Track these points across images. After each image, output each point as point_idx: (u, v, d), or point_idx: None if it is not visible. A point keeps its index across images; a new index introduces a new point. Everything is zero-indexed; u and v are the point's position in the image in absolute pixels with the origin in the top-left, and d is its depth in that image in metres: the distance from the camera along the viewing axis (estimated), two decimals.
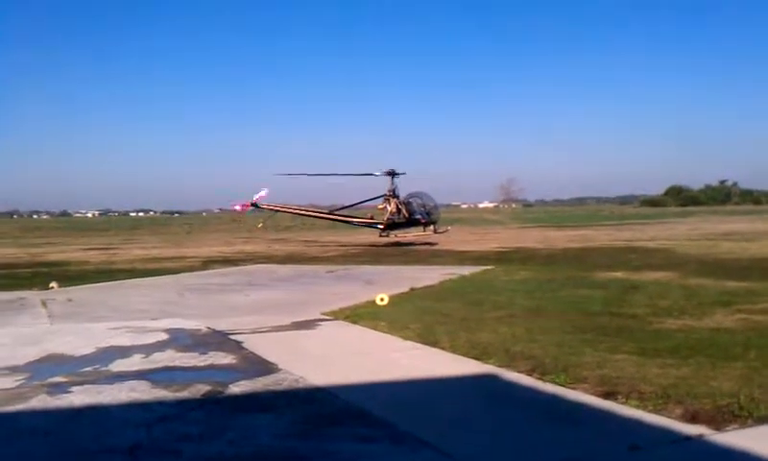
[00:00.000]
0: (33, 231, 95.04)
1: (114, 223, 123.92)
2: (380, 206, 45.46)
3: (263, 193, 47.98)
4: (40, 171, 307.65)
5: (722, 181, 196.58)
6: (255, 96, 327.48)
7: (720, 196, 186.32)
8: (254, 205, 48.46)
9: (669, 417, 6.87)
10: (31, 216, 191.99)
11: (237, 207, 50.16)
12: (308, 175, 53.24)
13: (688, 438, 6.31)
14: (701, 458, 5.96)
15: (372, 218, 47.54)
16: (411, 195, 44.98)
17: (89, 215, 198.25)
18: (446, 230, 46.67)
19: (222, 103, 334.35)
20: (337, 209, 49.95)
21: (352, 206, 48.87)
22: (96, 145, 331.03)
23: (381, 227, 45.21)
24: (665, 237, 44.55)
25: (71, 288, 20.33)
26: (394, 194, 44.37)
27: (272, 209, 49.32)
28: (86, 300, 17.71)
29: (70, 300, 17.49)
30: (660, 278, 19.61)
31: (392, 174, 44.34)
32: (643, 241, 40.84)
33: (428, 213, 44.25)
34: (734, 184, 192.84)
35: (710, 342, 10.33)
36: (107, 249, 47.75)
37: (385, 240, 45.16)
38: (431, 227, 44.34)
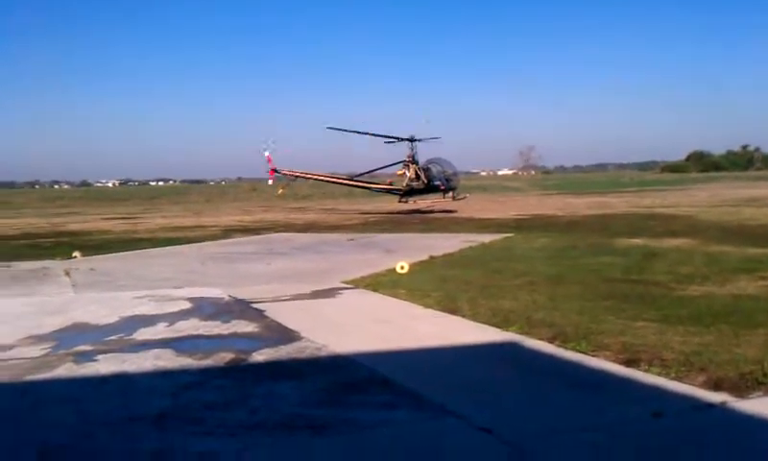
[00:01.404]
0: (54, 201, 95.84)
1: (134, 192, 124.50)
2: (399, 172, 45.34)
3: (267, 154, 48.39)
4: (61, 142, 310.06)
5: (744, 147, 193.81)
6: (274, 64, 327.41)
7: (742, 161, 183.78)
8: (276, 171, 48.72)
9: (692, 384, 6.84)
10: (52, 186, 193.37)
11: (270, 182, 50.79)
12: (358, 132, 46.02)
13: (711, 405, 6.29)
14: (724, 425, 5.93)
15: (391, 184, 47.49)
16: (430, 161, 44.79)
17: (110, 185, 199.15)
18: (465, 198, 46.48)
19: (239, 70, 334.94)
20: (357, 176, 49.88)
21: (371, 172, 48.80)
22: (116, 115, 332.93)
23: (400, 193, 45.17)
24: (686, 204, 44.15)
25: (94, 257, 20.55)
26: (413, 160, 44.19)
27: (292, 175, 49.41)
28: (109, 269, 17.88)
29: (93, 269, 17.68)
30: (681, 244, 19.46)
31: (411, 140, 44.13)
32: (664, 208, 40.52)
33: (447, 179, 44.07)
34: (757, 149, 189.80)
35: (733, 309, 10.24)
36: (128, 218, 48.15)
37: (405, 207, 45.09)
38: (450, 193, 44.20)
